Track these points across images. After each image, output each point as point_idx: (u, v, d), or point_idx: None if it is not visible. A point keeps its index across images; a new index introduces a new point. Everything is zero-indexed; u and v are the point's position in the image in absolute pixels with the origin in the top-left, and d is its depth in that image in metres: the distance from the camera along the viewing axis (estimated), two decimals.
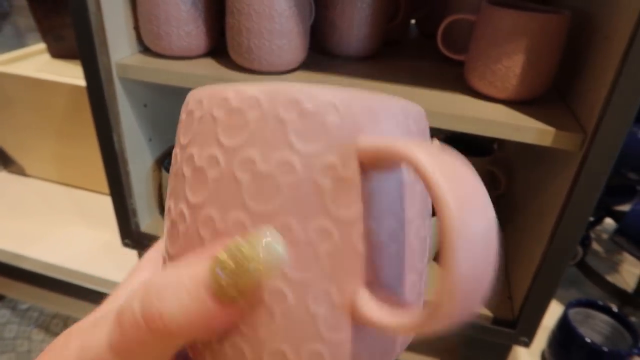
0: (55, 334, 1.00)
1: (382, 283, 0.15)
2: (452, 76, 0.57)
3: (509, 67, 0.47)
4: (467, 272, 0.12)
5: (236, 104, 0.14)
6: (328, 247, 0.14)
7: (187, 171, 0.16)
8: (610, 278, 0.85)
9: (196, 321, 0.13)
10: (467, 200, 0.12)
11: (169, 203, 0.17)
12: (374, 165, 0.14)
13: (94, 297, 0.80)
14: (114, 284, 0.78)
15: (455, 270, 0.12)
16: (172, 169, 0.17)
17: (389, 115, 0.15)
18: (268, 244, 0.13)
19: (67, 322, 1.02)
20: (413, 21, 0.81)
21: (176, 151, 0.17)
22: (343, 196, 0.14)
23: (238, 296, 0.13)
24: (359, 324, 0.14)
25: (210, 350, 0.15)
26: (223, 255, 0.13)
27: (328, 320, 0.14)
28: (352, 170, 0.14)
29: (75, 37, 0.53)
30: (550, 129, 0.45)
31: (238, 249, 0.13)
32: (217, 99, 0.15)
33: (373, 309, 0.14)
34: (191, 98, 0.17)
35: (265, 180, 0.14)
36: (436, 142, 0.15)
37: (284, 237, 0.13)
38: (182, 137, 0.17)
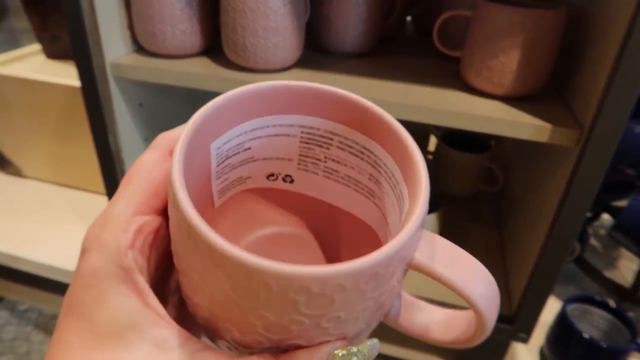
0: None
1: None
2: (449, 73, 0.57)
3: (505, 63, 0.47)
4: (492, 321, 0.18)
5: (248, 284, 0.15)
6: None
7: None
8: (608, 274, 0.85)
9: None
10: (477, 283, 0.17)
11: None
12: None
13: None
14: None
15: (486, 326, 0.18)
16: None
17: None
18: (372, 346, 0.17)
19: None
20: (409, 18, 0.81)
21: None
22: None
23: None
24: None
25: None
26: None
27: None
28: None
29: (69, 37, 0.53)
30: (547, 125, 0.45)
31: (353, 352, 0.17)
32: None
33: None
34: None
35: (277, 326, 0.16)
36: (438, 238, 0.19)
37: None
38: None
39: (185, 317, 0.19)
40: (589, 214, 0.88)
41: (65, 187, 0.97)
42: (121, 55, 0.57)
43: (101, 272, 0.16)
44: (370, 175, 0.20)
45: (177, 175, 0.15)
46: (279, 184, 0.22)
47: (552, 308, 0.66)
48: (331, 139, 0.20)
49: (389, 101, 0.48)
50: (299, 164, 0.22)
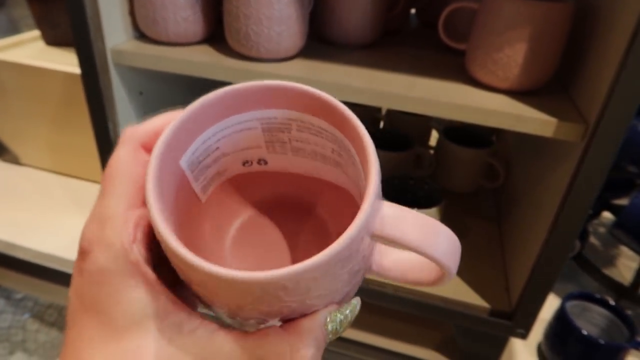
0: (50, 324, 1.00)
1: None
2: (453, 66, 0.57)
3: (511, 56, 0.47)
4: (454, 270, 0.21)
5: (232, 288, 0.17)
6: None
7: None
8: (607, 271, 0.85)
9: None
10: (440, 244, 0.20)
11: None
12: None
13: None
14: None
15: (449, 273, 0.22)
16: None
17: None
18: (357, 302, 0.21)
19: (62, 311, 1.02)
20: (413, 11, 0.80)
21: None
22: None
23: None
24: None
25: None
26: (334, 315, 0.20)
27: None
28: None
29: (70, 23, 0.52)
30: (552, 120, 0.45)
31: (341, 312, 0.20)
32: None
33: None
34: None
35: (270, 311, 0.18)
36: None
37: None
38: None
39: (183, 290, 0.20)
40: (589, 212, 0.88)
41: (64, 176, 0.96)
42: (122, 41, 0.57)
43: (110, 270, 0.17)
44: (333, 149, 0.22)
45: (154, 203, 0.17)
46: (255, 167, 0.25)
47: (550, 304, 0.66)
48: (290, 124, 0.22)
49: (392, 93, 0.48)
50: (267, 148, 0.23)
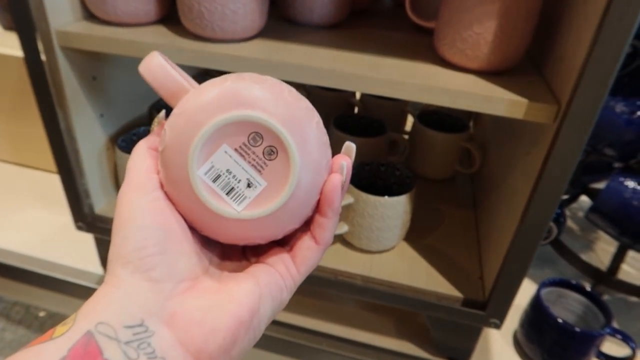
0: (17, 322, 0.96)
1: None
2: (423, 46, 0.54)
3: (480, 34, 0.44)
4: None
5: None
6: None
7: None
8: (585, 256, 0.84)
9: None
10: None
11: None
12: None
13: (53, 284, 0.76)
14: (72, 271, 0.74)
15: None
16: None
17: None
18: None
19: (29, 309, 0.98)
20: None
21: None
22: None
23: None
24: None
25: None
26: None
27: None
28: None
29: (8, 2, 0.48)
30: (522, 100, 0.42)
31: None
32: None
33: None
34: None
35: None
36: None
37: None
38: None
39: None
40: (566, 196, 0.86)
41: (23, 167, 0.92)
42: (68, 22, 0.53)
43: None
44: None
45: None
46: None
47: (527, 291, 0.64)
48: None
49: (355, 74, 0.45)
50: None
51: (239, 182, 0.22)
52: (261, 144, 0.22)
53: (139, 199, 0.22)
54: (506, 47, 0.45)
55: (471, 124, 0.89)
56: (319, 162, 0.23)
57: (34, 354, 0.18)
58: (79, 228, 0.64)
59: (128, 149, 0.64)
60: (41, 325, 0.95)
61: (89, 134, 0.60)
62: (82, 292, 0.73)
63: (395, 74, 0.45)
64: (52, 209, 0.82)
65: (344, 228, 0.60)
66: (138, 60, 0.27)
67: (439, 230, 0.68)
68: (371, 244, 0.60)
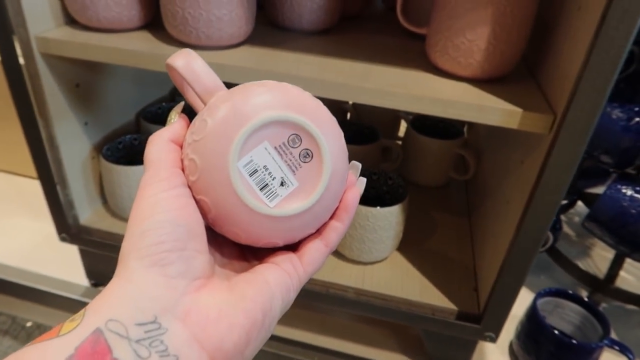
0: (3, 332, 0.94)
1: None
2: (415, 53, 0.52)
3: (473, 41, 0.43)
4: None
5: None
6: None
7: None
8: (581, 263, 0.82)
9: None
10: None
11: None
12: None
13: (37, 296, 0.74)
14: (57, 282, 0.72)
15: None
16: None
17: None
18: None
19: (15, 319, 0.96)
20: None
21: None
22: None
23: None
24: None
25: None
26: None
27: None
28: None
29: None
30: (517, 110, 0.41)
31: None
32: None
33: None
34: None
35: None
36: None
37: None
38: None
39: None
40: (563, 202, 0.85)
41: (7, 174, 0.90)
42: (49, 28, 0.51)
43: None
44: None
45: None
46: None
47: (522, 300, 0.63)
48: None
49: (344, 84, 0.43)
50: None
51: (273, 180, 0.23)
52: (299, 146, 0.23)
53: (163, 193, 0.22)
54: (500, 55, 0.43)
55: (465, 129, 0.88)
56: (344, 171, 0.24)
57: (39, 351, 0.18)
58: (63, 239, 0.62)
59: (114, 158, 0.62)
60: (28, 335, 0.92)
61: (73, 143, 0.59)
62: (68, 305, 0.71)
63: (386, 83, 0.44)
64: (38, 217, 0.80)
65: None
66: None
67: (432, 239, 0.66)
68: (363, 255, 0.59)
